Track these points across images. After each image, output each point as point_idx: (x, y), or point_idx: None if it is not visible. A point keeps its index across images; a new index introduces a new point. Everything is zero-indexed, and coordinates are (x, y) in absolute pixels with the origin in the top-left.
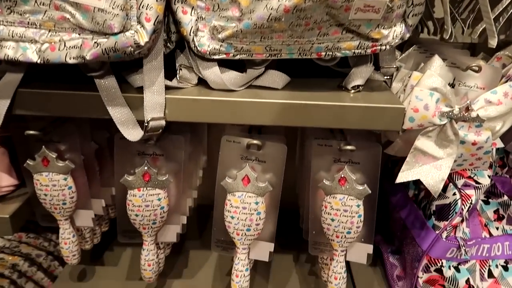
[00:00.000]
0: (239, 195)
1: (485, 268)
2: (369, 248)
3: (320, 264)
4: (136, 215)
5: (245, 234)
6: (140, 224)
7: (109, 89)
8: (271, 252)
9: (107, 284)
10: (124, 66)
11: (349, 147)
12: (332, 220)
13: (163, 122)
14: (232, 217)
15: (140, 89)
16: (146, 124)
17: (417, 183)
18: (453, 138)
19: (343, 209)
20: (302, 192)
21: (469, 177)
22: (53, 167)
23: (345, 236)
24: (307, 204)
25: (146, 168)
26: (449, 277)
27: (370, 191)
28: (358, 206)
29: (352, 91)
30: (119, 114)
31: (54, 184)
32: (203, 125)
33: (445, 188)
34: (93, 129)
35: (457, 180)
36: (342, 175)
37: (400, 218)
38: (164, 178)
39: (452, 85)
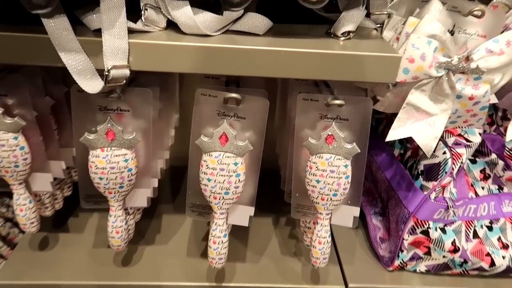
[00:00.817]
0: (216, 155)
1: (471, 229)
2: (356, 211)
3: (303, 228)
4: (100, 179)
5: (223, 198)
6: (105, 188)
7: (60, 31)
8: (251, 216)
9: (72, 253)
10: (78, 4)
11: (337, 102)
12: (318, 181)
13: (126, 71)
14: (209, 180)
15: (98, 32)
16: (106, 73)
17: (403, 142)
18: (449, 92)
19: (329, 169)
20: (283, 152)
21: (459, 135)
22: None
23: (331, 199)
24: (289, 164)
25: (109, 125)
26: (435, 238)
27: (359, 150)
28: (345, 166)
29: (342, 38)
30: (74, 61)
31: (2, 144)
32: (174, 78)
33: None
34: (47, 82)
35: (447, 138)
36: (329, 133)
37: (385, 178)
38: (130, 137)
39: (451, 33)
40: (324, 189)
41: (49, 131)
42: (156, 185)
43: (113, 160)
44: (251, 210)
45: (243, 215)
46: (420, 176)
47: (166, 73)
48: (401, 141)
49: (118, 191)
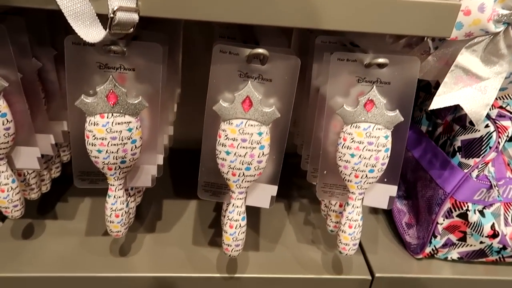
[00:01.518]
0: (238, 123)
1: (509, 212)
2: (393, 190)
3: (325, 212)
4: (99, 152)
5: (244, 174)
6: (104, 163)
7: None
8: (273, 197)
9: (61, 242)
10: None
11: (381, 60)
12: (352, 156)
13: (135, 16)
14: (228, 153)
15: None
16: (111, 16)
17: (431, 118)
18: (505, 52)
19: (367, 141)
20: (301, 128)
21: (501, 107)
22: None
23: (366, 176)
24: (315, 139)
25: (111, 86)
26: (474, 222)
27: (402, 119)
28: (386, 137)
29: None
30: (70, 2)
31: None
32: (178, 45)
33: None
34: (33, 43)
35: (489, 110)
36: (370, 98)
37: (412, 158)
38: (136, 101)
39: None
40: (359, 164)
41: (37, 99)
42: (161, 162)
43: (114, 129)
44: (273, 190)
45: (264, 195)
46: (458, 153)
47: (170, 37)
48: (429, 116)
49: (119, 167)
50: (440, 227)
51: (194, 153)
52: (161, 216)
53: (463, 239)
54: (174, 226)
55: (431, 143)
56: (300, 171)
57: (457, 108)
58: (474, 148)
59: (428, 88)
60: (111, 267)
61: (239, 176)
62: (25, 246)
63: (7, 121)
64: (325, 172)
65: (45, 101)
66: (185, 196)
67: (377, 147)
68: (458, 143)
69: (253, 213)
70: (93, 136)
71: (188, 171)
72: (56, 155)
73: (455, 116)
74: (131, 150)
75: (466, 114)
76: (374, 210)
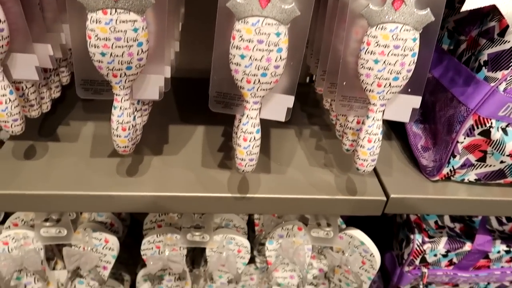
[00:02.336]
0: (254, 21)
1: None
2: (417, 102)
3: (340, 132)
4: (103, 55)
5: (259, 81)
6: (108, 69)
7: None
8: (290, 109)
9: (66, 162)
10: None
11: None
12: (376, 62)
13: None
14: (242, 57)
15: None
16: None
17: (454, 35)
18: None
19: (393, 44)
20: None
21: None
22: None
23: (389, 85)
24: (333, 49)
25: None
26: (496, 140)
27: (433, 18)
28: (414, 40)
29: None
30: None
31: None
32: None
33: (503, 32)
34: None
35: None
36: None
37: (431, 78)
38: None
39: None
40: (382, 71)
41: (31, 2)
42: (168, 75)
43: (119, 27)
44: (289, 101)
45: (280, 106)
46: (484, 68)
47: None
48: (451, 34)
49: (125, 74)
50: (460, 146)
51: (197, 82)
52: (167, 140)
53: (482, 159)
54: (182, 149)
55: (453, 60)
56: (310, 100)
57: (483, 21)
58: (502, 60)
59: (451, 3)
60: (118, 186)
61: (254, 83)
62: (28, 165)
63: (1, 22)
64: (344, 83)
65: (41, 10)
66: (191, 122)
67: (404, 51)
68: (484, 57)
69: (263, 137)
70: (96, 36)
71: (193, 99)
72: (55, 73)
73: (481, 29)
74: (137, 54)
75: (493, 27)
76: (387, 136)
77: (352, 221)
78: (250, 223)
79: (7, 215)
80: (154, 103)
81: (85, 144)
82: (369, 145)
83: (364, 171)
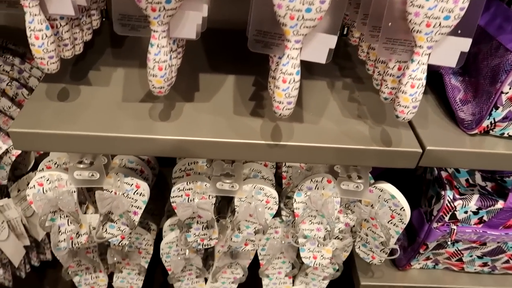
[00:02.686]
0: None
1: None
2: (466, 44)
3: (378, 81)
4: None
5: (303, 17)
6: (147, 1)
7: None
8: (331, 50)
9: (99, 105)
10: None
11: None
12: None
13: None
14: None
15: None
16: None
17: None
18: None
19: None
20: None
21: None
22: None
23: (439, 24)
24: None
25: None
26: None
27: None
28: None
29: None
30: None
31: None
32: None
33: None
34: None
35: None
36: None
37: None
38: None
39: None
40: (433, 9)
41: None
42: (206, 14)
43: None
44: (332, 41)
45: (322, 47)
46: None
47: None
48: None
49: (163, 8)
50: (504, 97)
51: (228, 33)
52: (198, 88)
53: None
54: (213, 97)
55: (502, 6)
56: (343, 54)
57: None
58: None
59: None
60: (150, 129)
61: (297, 19)
62: (62, 107)
63: None
64: (389, 24)
65: None
66: (222, 71)
67: None
68: None
69: None
70: None
71: (223, 50)
72: (87, 15)
73: None
74: None
75: None
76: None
77: (378, 179)
78: (277, 178)
79: (36, 164)
80: (186, 50)
81: (116, 88)
82: (412, 90)
83: (404, 118)
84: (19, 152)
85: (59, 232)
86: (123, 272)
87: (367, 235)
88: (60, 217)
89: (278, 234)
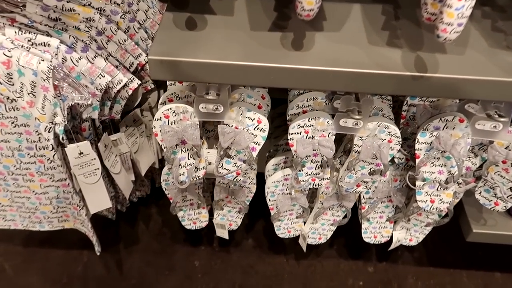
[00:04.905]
0: None
1: None
2: None
3: None
4: None
5: None
6: None
7: None
8: None
9: (229, 35)
10: None
11: None
12: None
13: None
14: None
15: None
16: None
17: None
18: None
19: None
20: None
21: None
22: None
23: None
24: None
25: None
26: None
27: None
28: None
29: None
30: None
31: None
32: None
33: None
34: None
35: None
36: None
37: None
38: None
39: None
40: None
41: None
42: None
43: None
44: None
45: None
46: None
47: None
48: None
49: None
50: None
51: None
52: (325, 17)
53: None
54: (343, 26)
55: None
56: None
57: None
58: None
59: None
60: (284, 58)
61: None
62: (192, 36)
63: None
64: None
65: None
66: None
67: None
68: None
69: None
70: None
71: None
72: None
73: None
74: None
75: None
76: None
77: None
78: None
79: (142, 101)
80: None
81: (241, 18)
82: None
83: (445, 39)
84: (135, 85)
85: (180, 165)
86: (224, 209)
87: (493, 179)
88: (182, 150)
89: (386, 177)
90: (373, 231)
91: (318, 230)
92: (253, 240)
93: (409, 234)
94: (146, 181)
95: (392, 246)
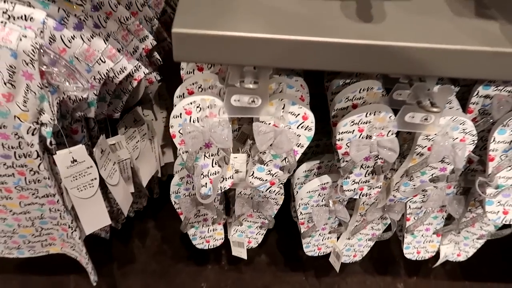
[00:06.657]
0: None
1: None
2: None
3: None
4: None
5: None
6: None
7: None
8: None
9: (270, 5)
10: None
11: None
12: None
13: None
14: None
15: None
16: None
17: None
18: None
19: None
20: None
21: None
22: None
23: None
24: None
25: None
26: None
27: None
28: None
29: None
30: None
31: None
32: None
33: None
34: None
35: None
36: None
37: None
38: None
39: None
40: None
41: None
42: None
43: None
44: None
45: None
46: None
47: None
48: None
49: None
50: None
51: None
52: None
53: None
54: None
55: None
56: None
57: None
58: None
59: None
60: (353, 32)
61: None
62: (228, 3)
63: None
64: None
65: None
66: None
67: None
68: None
69: None
70: None
71: None
72: None
73: None
74: None
75: None
76: None
77: None
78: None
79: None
80: None
81: None
82: None
83: None
84: (142, 75)
85: (202, 175)
86: (243, 225)
87: None
88: (205, 156)
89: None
90: (417, 245)
91: (354, 246)
92: (267, 256)
93: (458, 249)
94: (145, 191)
95: (438, 263)
